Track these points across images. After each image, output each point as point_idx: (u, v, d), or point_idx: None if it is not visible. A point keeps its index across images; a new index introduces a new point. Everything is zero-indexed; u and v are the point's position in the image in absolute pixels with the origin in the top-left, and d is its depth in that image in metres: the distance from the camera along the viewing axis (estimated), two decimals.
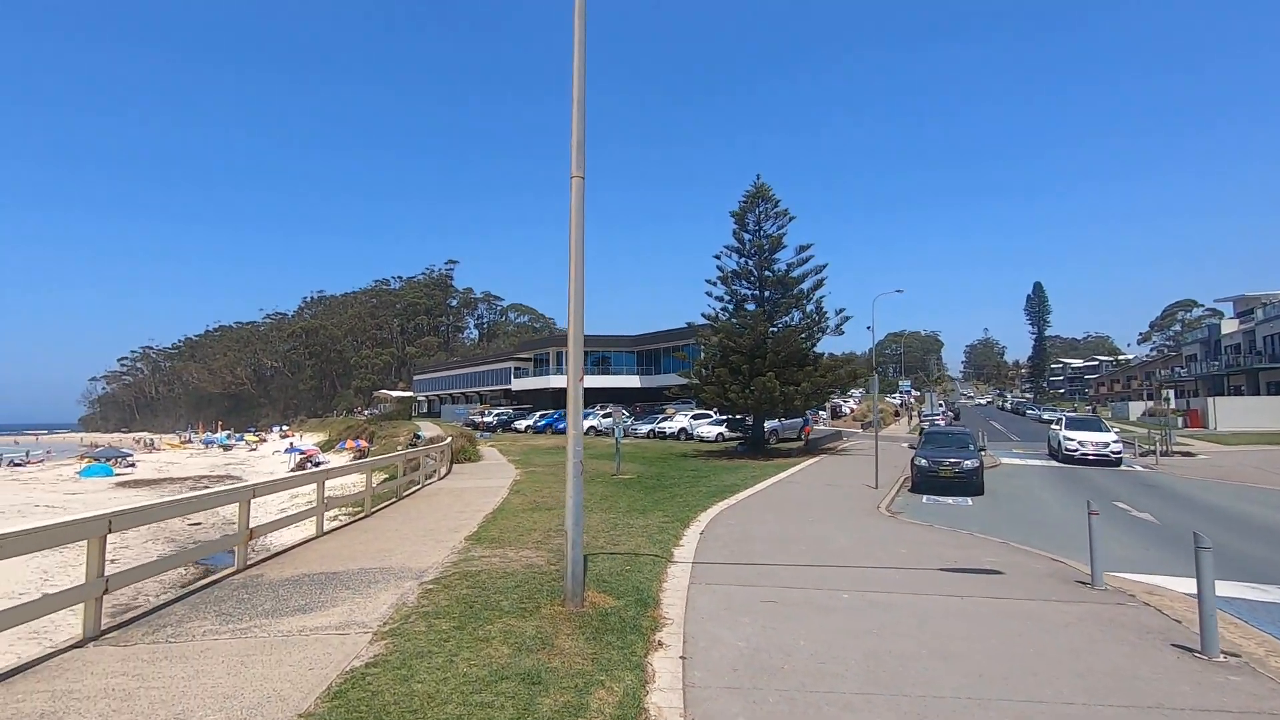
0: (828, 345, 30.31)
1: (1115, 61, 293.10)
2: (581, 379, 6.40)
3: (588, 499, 14.93)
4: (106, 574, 5.47)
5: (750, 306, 29.88)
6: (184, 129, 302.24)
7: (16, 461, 57.37)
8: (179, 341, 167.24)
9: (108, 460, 48.12)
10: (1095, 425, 27.34)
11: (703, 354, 30.99)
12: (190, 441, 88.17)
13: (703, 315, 30.73)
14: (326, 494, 10.43)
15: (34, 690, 4.32)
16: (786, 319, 29.32)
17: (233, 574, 7.61)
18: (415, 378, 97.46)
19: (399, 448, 43.11)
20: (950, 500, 16.36)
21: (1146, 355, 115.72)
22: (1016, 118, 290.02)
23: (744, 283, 30.04)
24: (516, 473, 21.78)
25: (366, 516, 12.17)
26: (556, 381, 66.26)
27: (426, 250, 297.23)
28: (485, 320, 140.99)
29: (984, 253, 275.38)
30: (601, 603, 6.30)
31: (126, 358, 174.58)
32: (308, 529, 10.53)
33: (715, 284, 29.93)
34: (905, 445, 36.57)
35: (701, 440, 37.04)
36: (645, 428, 41.66)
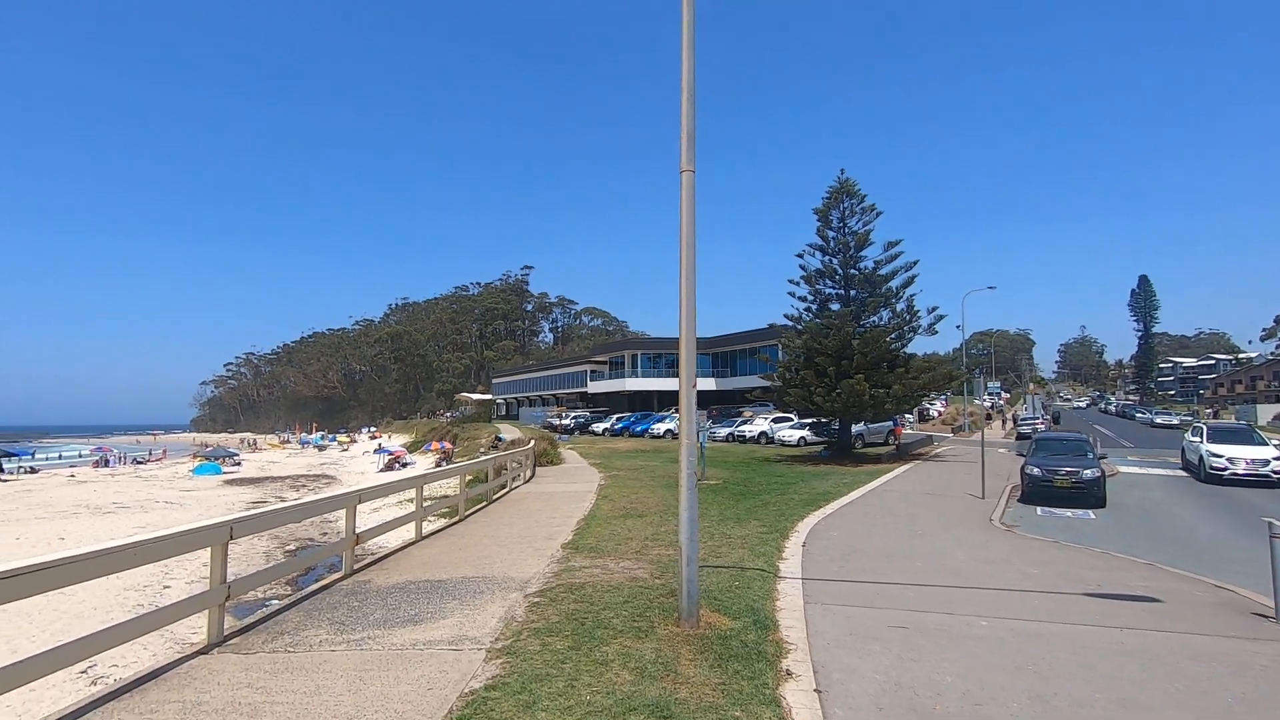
0: (910, 346, 28.74)
1: (1213, 30, 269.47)
2: (694, 383, 6.03)
3: (674, 504, 14.54)
4: (229, 580, 5.48)
5: (835, 306, 28.82)
6: (301, 168, 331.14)
7: (140, 460, 62.31)
8: (278, 348, 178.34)
9: (216, 459, 51.43)
10: (1247, 436, 21.34)
11: (785, 356, 30.17)
12: (288, 442, 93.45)
13: (785, 316, 29.92)
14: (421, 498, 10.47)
15: (165, 700, 4.30)
16: (874, 318, 28.11)
17: (341, 579, 7.64)
18: (494, 380, 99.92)
19: (481, 449, 44.10)
20: (1069, 513, 15.04)
21: (1271, 353, 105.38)
22: (1114, 85, 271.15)
23: (828, 281, 29.02)
24: (600, 477, 21.66)
25: (460, 521, 12.22)
26: (632, 384, 66.35)
27: (503, 257, 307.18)
28: (559, 324, 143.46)
29: (1077, 246, 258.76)
30: (718, 623, 5.90)
31: (231, 363, 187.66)
32: (406, 533, 10.60)
33: (798, 283, 29.06)
34: (1003, 451, 34.42)
35: (783, 444, 36.09)
36: (723, 431, 40.95)
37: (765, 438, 38.28)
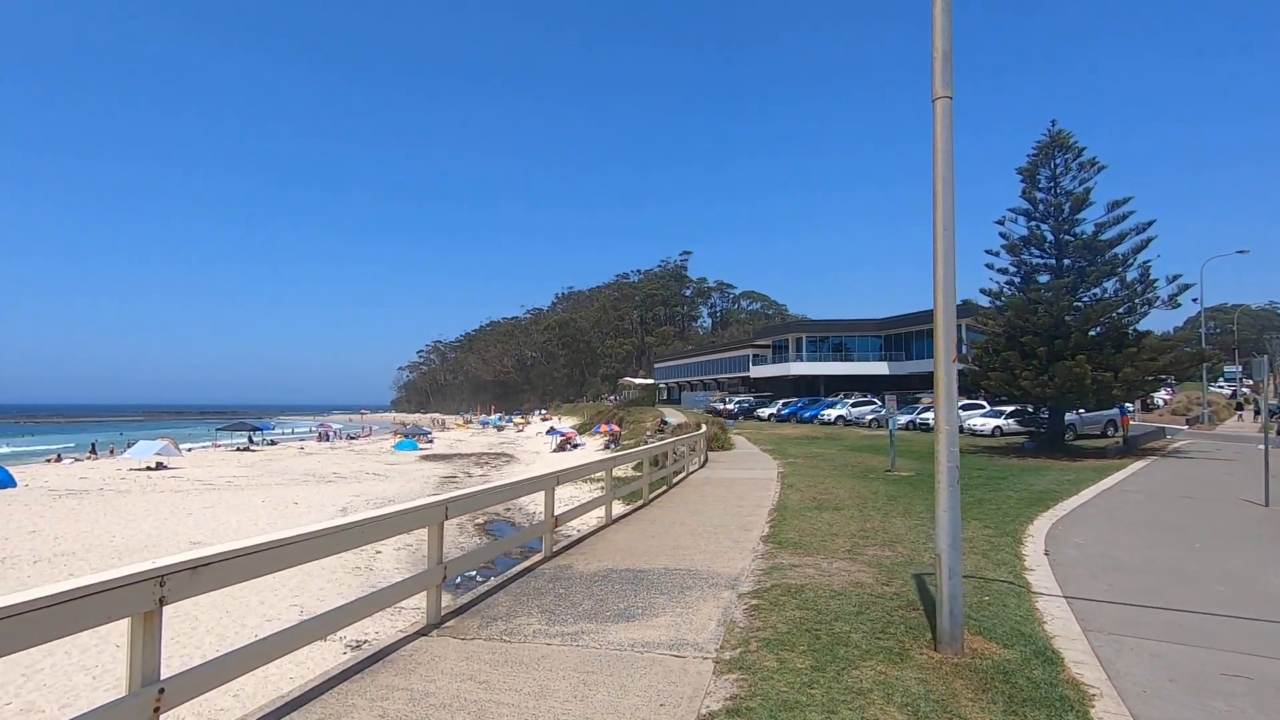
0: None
1: None
2: (955, 357, 4.94)
3: (870, 497, 13.26)
4: (445, 561, 5.34)
5: (1043, 278, 25.22)
6: (481, 161, 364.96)
7: (352, 436, 70.76)
8: (460, 336, 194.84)
9: (413, 437, 56.86)
10: None
11: (979, 337, 26.99)
12: (471, 422, 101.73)
13: (982, 291, 26.75)
14: (588, 481, 10.21)
15: (394, 687, 4.13)
16: (1094, 291, 24.22)
17: (542, 562, 7.47)
18: (655, 365, 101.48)
19: (646, 433, 44.59)
20: None
21: None
22: None
23: (1035, 250, 25.42)
24: (777, 464, 20.64)
25: (645, 505, 11.90)
26: (797, 369, 63.91)
27: (663, 244, 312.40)
28: (718, 308, 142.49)
29: None
30: (985, 651, 4.82)
31: (423, 350, 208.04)
32: (596, 517, 10.41)
33: (997, 254, 25.77)
34: (1260, 447, 28.35)
35: (974, 434, 32.63)
36: (903, 418, 37.87)
37: None
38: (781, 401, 51.62)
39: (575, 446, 49.35)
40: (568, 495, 25.23)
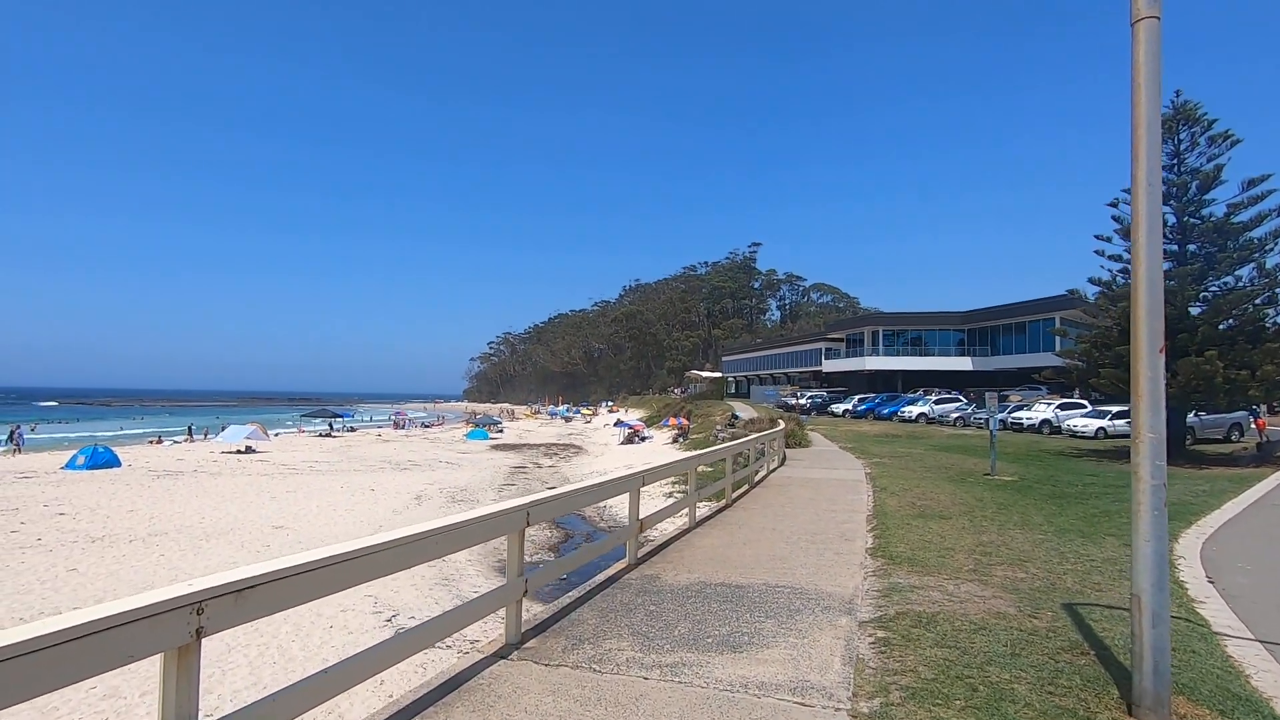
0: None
1: None
2: (1162, 348, 3.91)
3: (975, 504, 12.00)
4: (525, 574, 4.72)
5: (1164, 266, 22.82)
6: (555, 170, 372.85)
7: (426, 424, 72.70)
8: (529, 328, 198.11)
9: (484, 426, 57.77)
10: None
11: (1092, 330, 24.73)
12: (539, 413, 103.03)
13: (1091, 281, 24.50)
14: (663, 480, 9.45)
15: None
16: (1226, 279, 21.72)
17: (626, 571, 6.79)
18: (723, 359, 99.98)
19: (716, 427, 43.62)
20: None
21: None
22: None
23: None
24: (861, 463, 19.39)
25: (729, 507, 11.09)
26: (872, 363, 61.38)
27: (731, 235, 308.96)
28: (787, 301, 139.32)
29: None
30: (1197, 717, 3.81)
31: (493, 342, 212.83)
32: (679, 518, 9.67)
33: (1109, 239, 23.49)
34: None
35: (1073, 435, 30.12)
36: None
37: (1049, 426, 32.36)
38: (857, 397, 49.55)
39: (643, 439, 48.85)
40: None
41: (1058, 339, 31.78)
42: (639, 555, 7.20)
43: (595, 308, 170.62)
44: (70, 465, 28.11)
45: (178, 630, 2.39)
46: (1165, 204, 22.71)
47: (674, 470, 8.51)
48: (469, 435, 54.19)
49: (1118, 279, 23.38)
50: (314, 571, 2.97)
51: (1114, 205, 23.45)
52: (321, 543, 16.21)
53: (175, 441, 47.56)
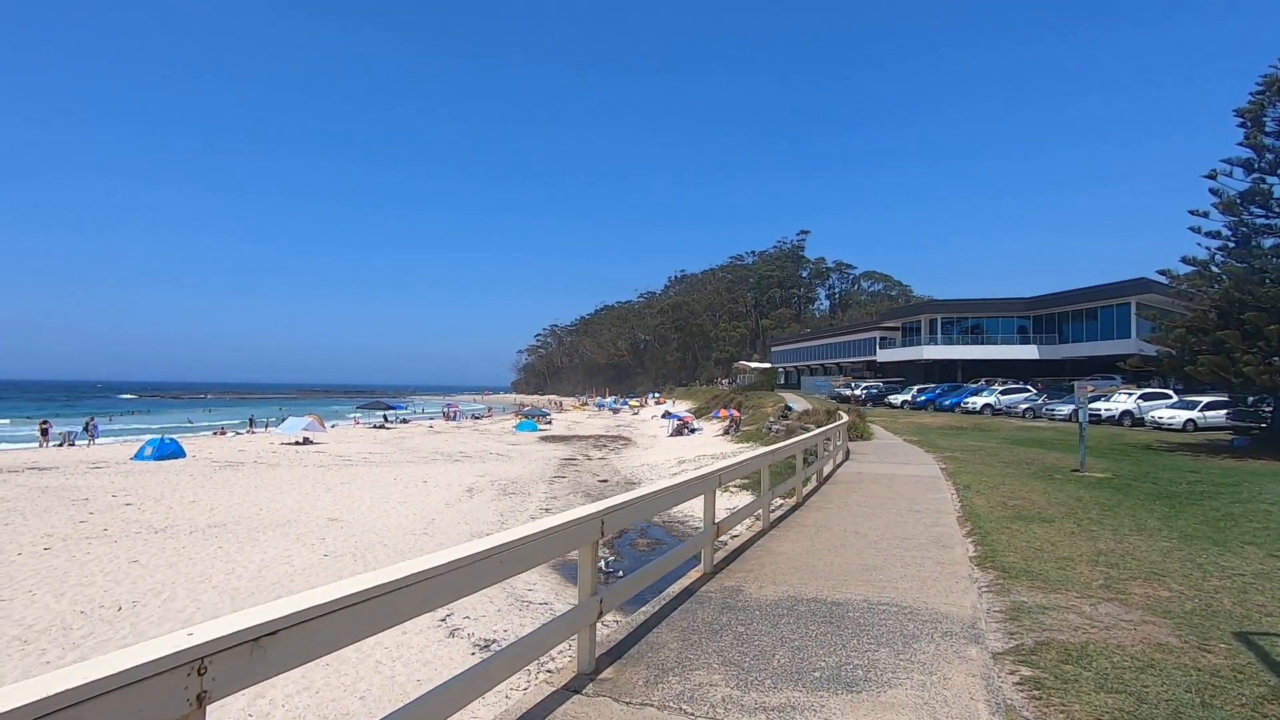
0: None
1: None
2: None
3: (1075, 505, 10.85)
4: (600, 593, 4.04)
5: (1268, 242, 20.82)
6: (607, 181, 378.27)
7: (476, 415, 73.44)
8: (576, 320, 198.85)
9: (533, 418, 57.81)
10: None
11: (1155, 316, 22.81)
12: (587, 405, 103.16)
13: (1184, 260, 22.54)
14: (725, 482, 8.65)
15: None
16: None
17: (702, 582, 6.07)
18: (772, 349, 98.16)
19: (769, 419, 42.50)
20: None
21: None
22: None
23: (1258, 209, 21.04)
24: (932, 458, 18.22)
25: (801, 506, 10.25)
26: (930, 352, 59.04)
27: (778, 224, 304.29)
28: (837, 290, 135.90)
29: None
30: None
31: (540, 334, 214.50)
32: (750, 519, 8.90)
33: (1206, 214, 21.56)
34: None
35: (1159, 428, 28.06)
36: (1064, 409, 33.49)
37: (1130, 418, 30.27)
38: (916, 387, 47.65)
39: (692, 431, 48.06)
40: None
41: (1140, 325, 29.69)
42: (714, 563, 6.47)
43: (641, 299, 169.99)
44: (139, 456, 28.98)
45: (170, 699, 1.78)
46: (1272, 174, 20.73)
47: (748, 469, 7.72)
48: (518, 427, 54.31)
49: (1216, 257, 21.46)
50: (353, 607, 2.33)
51: (1212, 177, 21.50)
52: (375, 536, 16.02)
53: (237, 433, 49.01)
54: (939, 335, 59.40)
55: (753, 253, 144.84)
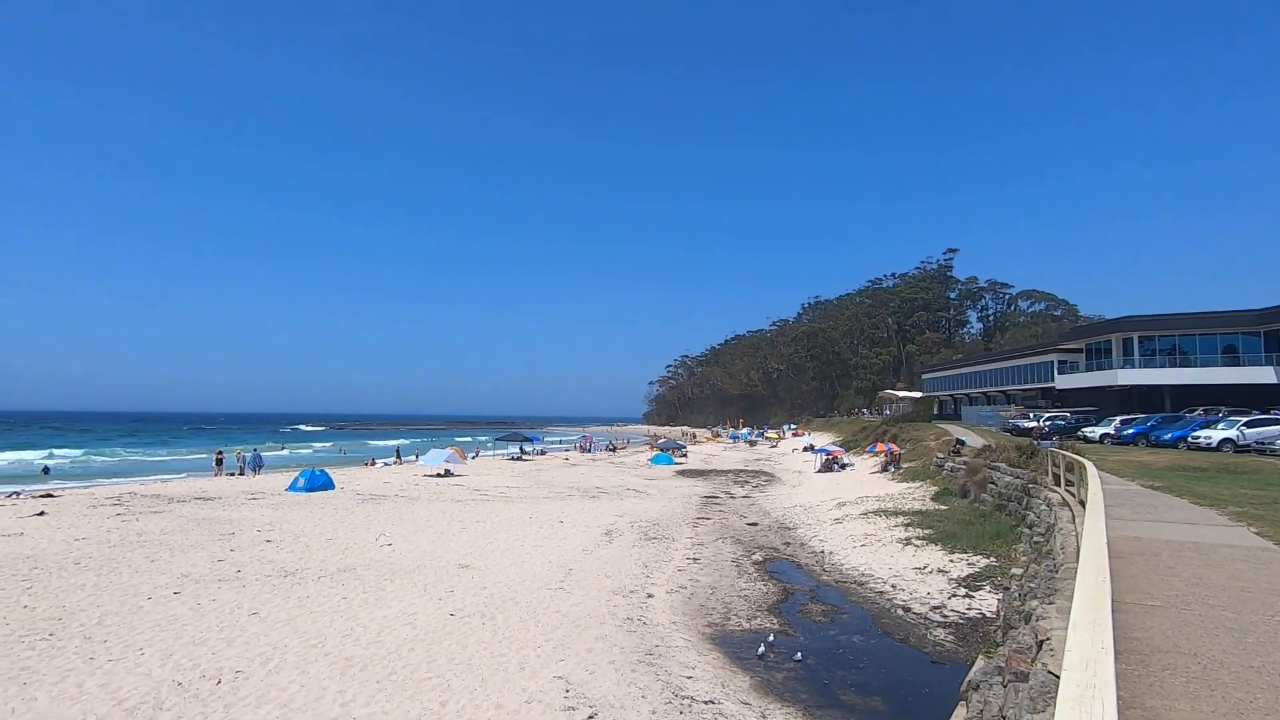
0: None
1: None
2: None
3: None
4: None
5: None
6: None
7: (610, 448, 72.52)
8: (706, 351, 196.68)
9: (668, 450, 55.62)
10: None
11: None
12: (720, 436, 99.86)
13: None
14: None
15: None
16: None
17: None
18: (923, 376, 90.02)
19: (936, 455, 37.34)
20: None
21: None
22: None
23: None
24: (1214, 513, 13.58)
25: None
26: (1125, 377, 50.25)
27: (920, 245, 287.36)
28: (991, 311, 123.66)
29: None
30: None
31: (671, 365, 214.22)
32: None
33: None
34: None
35: None
36: None
37: None
38: (1119, 418, 40.20)
39: (843, 466, 43.61)
40: (862, 532, 20.15)
41: None
42: None
43: (773, 327, 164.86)
44: (292, 487, 29.75)
45: None
46: None
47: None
48: (654, 460, 52.30)
49: None
50: None
51: None
52: (507, 590, 14.08)
53: (385, 464, 50.80)
54: (1136, 357, 50.72)
55: (893, 275, 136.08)
